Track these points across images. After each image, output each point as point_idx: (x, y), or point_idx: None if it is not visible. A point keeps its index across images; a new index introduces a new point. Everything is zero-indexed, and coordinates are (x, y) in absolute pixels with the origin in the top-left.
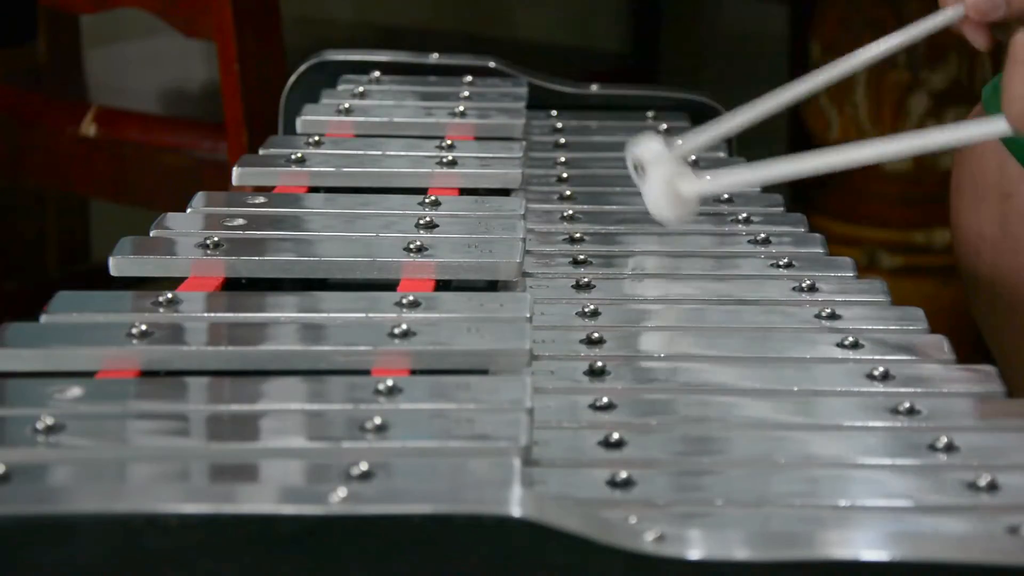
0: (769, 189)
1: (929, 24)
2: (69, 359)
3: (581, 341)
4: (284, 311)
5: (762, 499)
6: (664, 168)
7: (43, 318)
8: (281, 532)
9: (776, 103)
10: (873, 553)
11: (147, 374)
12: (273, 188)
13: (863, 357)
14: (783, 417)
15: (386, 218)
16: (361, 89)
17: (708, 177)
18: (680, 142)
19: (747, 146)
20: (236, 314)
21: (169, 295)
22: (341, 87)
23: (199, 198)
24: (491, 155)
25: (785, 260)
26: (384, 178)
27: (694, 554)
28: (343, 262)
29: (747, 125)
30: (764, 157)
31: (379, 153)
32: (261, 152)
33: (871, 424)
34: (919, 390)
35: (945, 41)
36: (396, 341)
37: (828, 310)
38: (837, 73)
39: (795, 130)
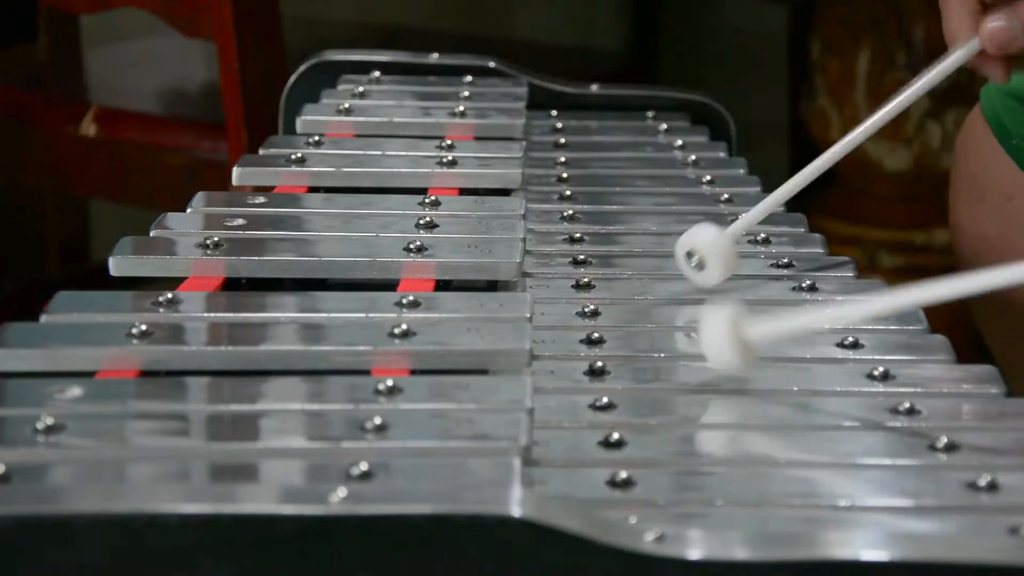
0: (768, 188)
1: (947, 65)
2: (69, 359)
3: (581, 341)
4: (284, 311)
5: (762, 499)
6: (726, 314)
7: (43, 318)
8: (281, 532)
9: (814, 169)
10: (873, 553)
11: (147, 374)
12: (273, 188)
13: (863, 357)
14: (783, 417)
15: (386, 218)
16: (361, 89)
17: (771, 323)
18: (734, 224)
19: (747, 146)
20: (236, 314)
21: (169, 295)
22: (341, 87)
23: (199, 198)
24: (491, 155)
25: (785, 260)
26: (384, 178)
27: (694, 554)
28: (343, 262)
29: (794, 192)
30: (764, 157)
31: (379, 153)
32: (261, 152)
33: (871, 424)
34: (919, 390)
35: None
36: (396, 341)
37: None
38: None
39: (796, 130)
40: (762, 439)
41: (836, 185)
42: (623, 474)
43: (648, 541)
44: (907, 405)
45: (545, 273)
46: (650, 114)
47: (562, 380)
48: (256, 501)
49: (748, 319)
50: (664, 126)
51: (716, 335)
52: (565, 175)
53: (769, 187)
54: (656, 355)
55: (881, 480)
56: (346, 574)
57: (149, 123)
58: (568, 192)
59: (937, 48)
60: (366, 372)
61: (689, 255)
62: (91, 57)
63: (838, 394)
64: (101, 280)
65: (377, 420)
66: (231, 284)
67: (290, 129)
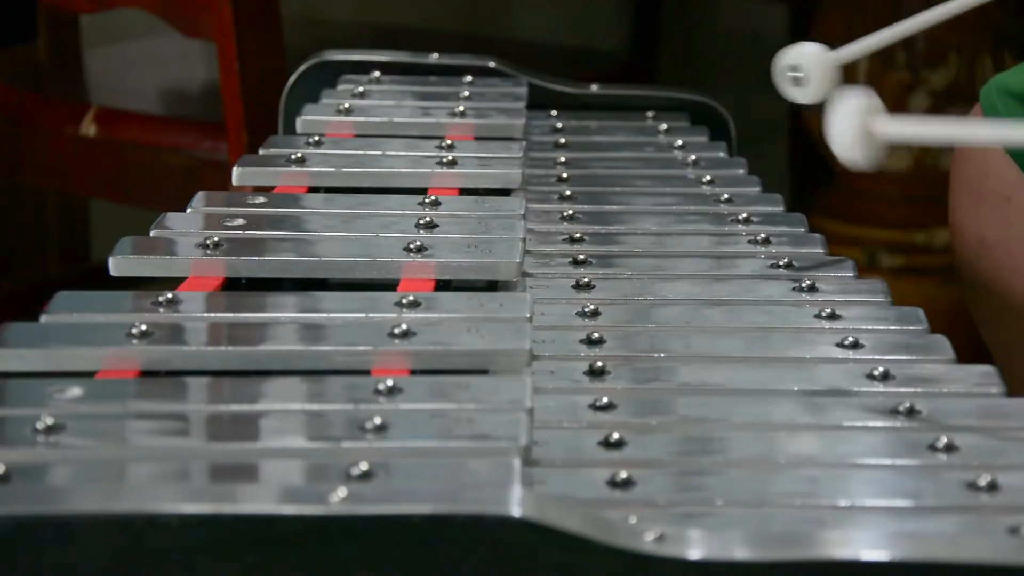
0: (768, 188)
1: None
2: (69, 359)
3: (581, 341)
4: (284, 311)
5: (762, 499)
6: (857, 103)
7: (43, 318)
8: (281, 532)
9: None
10: (873, 553)
11: (147, 374)
12: (273, 188)
13: (863, 357)
14: (783, 417)
15: (386, 218)
16: (361, 89)
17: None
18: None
19: (747, 146)
20: (236, 314)
21: (169, 295)
22: (341, 87)
23: (199, 198)
24: (491, 155)
25: (785, 260)
26: (384, 178)
27: (694, 554)
28: (343, 262)
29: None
30: (764, 157)
31: (379, 153)
32: (261, 152)
33: (871, 424)
34: (919, 390)
35: (945, 41)
36: (396, 341)
37: (828, 310)
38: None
39: (796, 130)
40: (762, 439)
41: (836, 185)
42: (623, 474)
43: (648, 541)
44: (907, 405)
45: (545, 273)
46: (650, 114)
47: (562, 380)
48: (256, 501)
49: (879, 112)
50: (664, 126)
51: (845, 125)
52: (565, 175)
53: (769, 187)
54: (656, 355)
55: (881, 480)
56: (346, 574)
57: (149, 123)
58: (568, 192)
59: (937, 49)
60: (366, 372)
61: (792, 68)
62: (91, 57)
63: (838, 394)
64: (101, 280)
65: (377, 420)
66: (231, 284)
67: (290, 129)
